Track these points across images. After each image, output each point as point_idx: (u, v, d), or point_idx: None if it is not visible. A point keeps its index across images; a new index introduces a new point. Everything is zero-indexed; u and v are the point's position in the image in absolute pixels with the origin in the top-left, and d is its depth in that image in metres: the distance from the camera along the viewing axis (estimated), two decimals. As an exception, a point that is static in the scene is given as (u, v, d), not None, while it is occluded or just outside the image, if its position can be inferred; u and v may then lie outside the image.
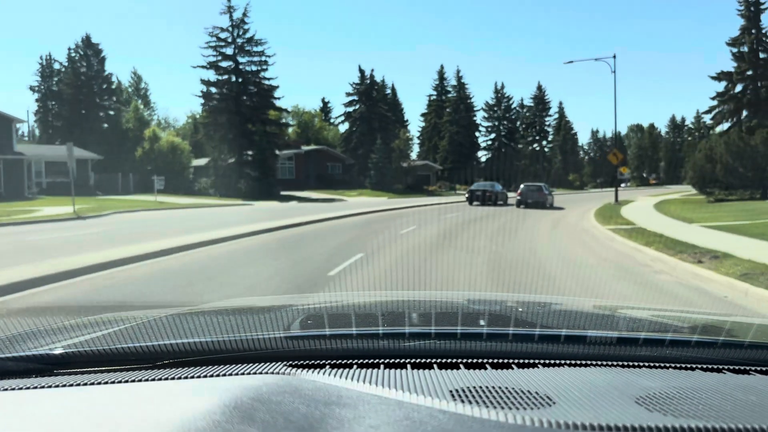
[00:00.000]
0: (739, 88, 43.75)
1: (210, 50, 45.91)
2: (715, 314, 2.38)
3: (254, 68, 46.73)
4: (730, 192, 28.42)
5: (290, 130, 75.57)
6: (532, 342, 1.14)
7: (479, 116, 79.04)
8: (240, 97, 45.87)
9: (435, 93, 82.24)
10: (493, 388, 0.90)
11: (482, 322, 1.55)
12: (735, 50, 43.73)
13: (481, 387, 0.91)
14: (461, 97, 76.01)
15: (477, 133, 78.17)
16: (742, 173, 27.27)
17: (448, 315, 1.72)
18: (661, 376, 1.01)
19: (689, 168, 31.66)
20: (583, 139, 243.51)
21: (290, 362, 1.03)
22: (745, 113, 43.23)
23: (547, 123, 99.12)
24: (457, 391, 0.88)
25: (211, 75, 47.07)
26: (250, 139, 44.45)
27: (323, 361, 1.04)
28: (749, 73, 42.71)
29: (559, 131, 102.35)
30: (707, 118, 47.91)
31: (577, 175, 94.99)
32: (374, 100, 62.16)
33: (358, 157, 59.55)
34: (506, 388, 0.90)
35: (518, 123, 78.70)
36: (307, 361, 1.04)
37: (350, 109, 63.44)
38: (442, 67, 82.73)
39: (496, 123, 77.41)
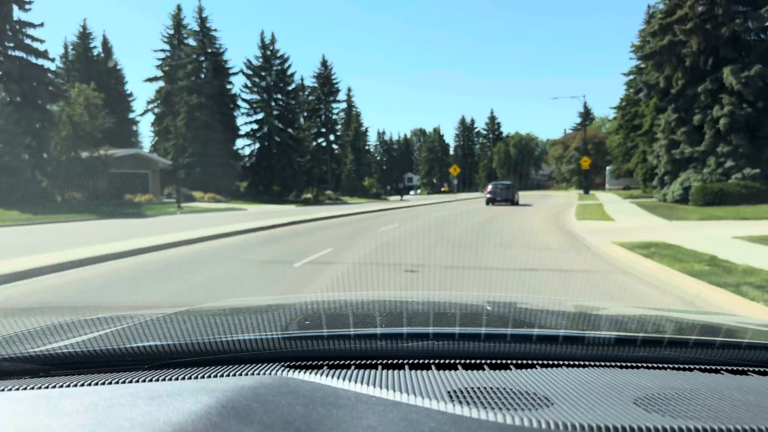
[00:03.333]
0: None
1: None
2: (713, 315, 2.20)
3: None
4: None
5: None
6: (530, 343, 1.13)
7: (238, 85, 51.33)
8: None
9: (168, 48, 52.57)
10: (491, 388, 0.91)
11: (480, 323, 1.49)
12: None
13: (478, 388, 0.91)
14: (207, 52, 47.57)
15: (236, 112, 50.64)
16: None
17: (445, 316, 1.70)
18: (659, 377, 1.01)
19: None
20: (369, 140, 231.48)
21: (288, 363, 1.03)
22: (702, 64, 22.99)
23: (335, 111, 75.86)
24: (455, 391, 0.88)
25: None
26: None
27: (321, 362, 1.04)
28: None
29: (348, 124, 79.94)
30: (629, 68, 26.96)
31: (373, 180, 72.95)
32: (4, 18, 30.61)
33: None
34: (504, 388, 0.91)
35: (295, 103, 52.47)
36: (305, 362, 1.04)
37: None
38: (179, 8, 52.99)
39: (265, 96, 50.27)
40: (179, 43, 51.06)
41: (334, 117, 75.65)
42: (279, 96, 50.09)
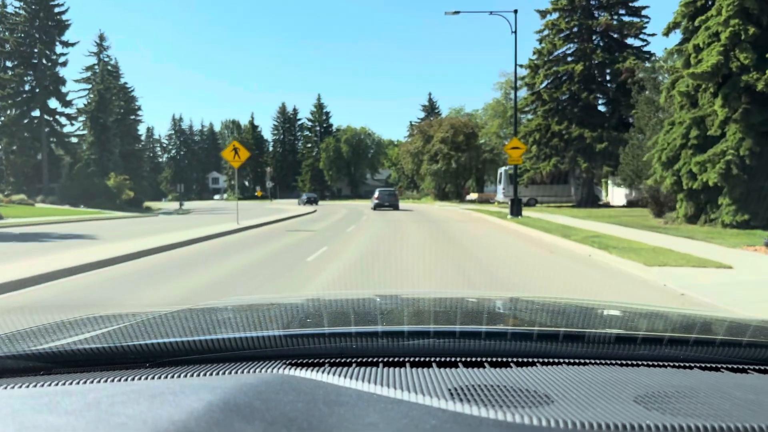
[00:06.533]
0: None
1: None
2: (713, 313, 2.14)
3: None
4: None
5: None
6: (531, 340, 1.14)
7: None
8: None
9: None
10: (492, 386, 0.91)
11: (481, 321, 1.52)
12: None
13: (479, 385, 0.92)
14: None
15: None
16: None
17: (446, 313, 1.71)
18: (660, 375, 1.01)
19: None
20: (161, 129, 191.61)
21: (289, 360, 1.04)
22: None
23: (60, 60, 45.97)
24: (455, 389, 0.89)
25: None
26: None
27: (322, 360, 1.05)
28: None
29: (91, 83, 50.17)
30: None
31: (124, 180, 43.76)
32: None
33: None
34: (505, 386, 0.92)
35: None
36: (306, 360, 1.06)
37: None
38: None
39: None
40: None
41: (60, 71, 45.60)
42: None
